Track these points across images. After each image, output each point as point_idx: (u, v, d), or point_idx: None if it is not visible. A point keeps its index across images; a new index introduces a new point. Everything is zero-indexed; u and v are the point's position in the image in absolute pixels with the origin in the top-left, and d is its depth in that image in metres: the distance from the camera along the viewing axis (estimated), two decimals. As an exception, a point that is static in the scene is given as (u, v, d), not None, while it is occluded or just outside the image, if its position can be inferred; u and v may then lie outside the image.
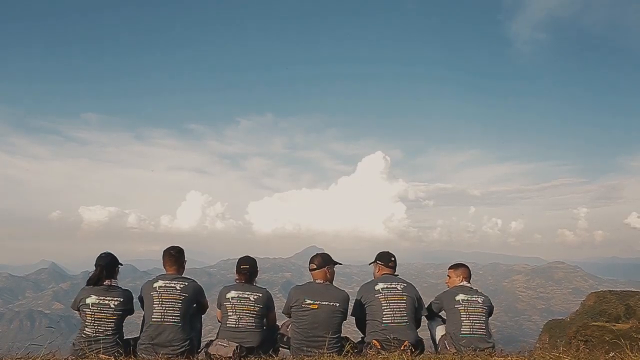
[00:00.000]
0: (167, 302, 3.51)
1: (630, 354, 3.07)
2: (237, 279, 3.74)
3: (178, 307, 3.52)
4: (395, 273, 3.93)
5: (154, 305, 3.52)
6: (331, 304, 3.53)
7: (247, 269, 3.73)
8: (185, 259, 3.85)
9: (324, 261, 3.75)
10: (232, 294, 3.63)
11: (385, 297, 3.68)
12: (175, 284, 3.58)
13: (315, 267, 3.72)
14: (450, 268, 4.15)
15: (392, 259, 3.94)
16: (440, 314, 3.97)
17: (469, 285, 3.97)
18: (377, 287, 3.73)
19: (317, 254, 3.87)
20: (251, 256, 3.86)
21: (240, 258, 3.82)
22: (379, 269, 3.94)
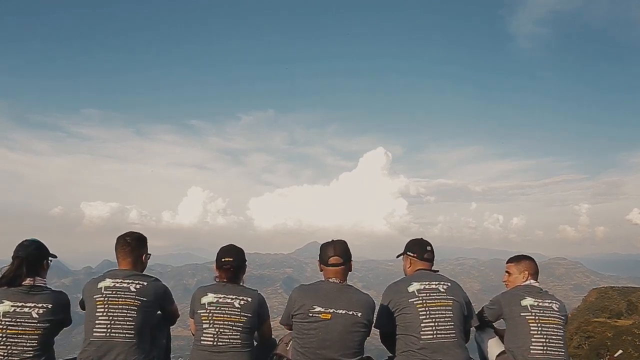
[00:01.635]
0: (116, 309, 2.46)
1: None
2: (216, 277, 2.62)
3: (132, 317, 2.46)
4: (434, 269, 2.81)
5: (98, 314, 2.46)
6: (350, 313, 2.41)
7: (231, 262, 2.59)
8: (149, 252, 2.79)
9: (346, 253, 2.62)
10: (210, 298, 2.53)
11: (423, 303, 2.58)
12: (129, 284, 2.53)
13: (336, 260, 2.57)
14: (509, 262, 3.02)
15: (429, 248, 2.81)
16: (495, 323, 2.95)
17: (537, 285, 2.86)
18: (411, 289, 2.62)
19: (333, 240, 2.66)
20: (237, 245, 2.73)
21: (222, 248, 2.69)
22: (410, 263, 2.81)
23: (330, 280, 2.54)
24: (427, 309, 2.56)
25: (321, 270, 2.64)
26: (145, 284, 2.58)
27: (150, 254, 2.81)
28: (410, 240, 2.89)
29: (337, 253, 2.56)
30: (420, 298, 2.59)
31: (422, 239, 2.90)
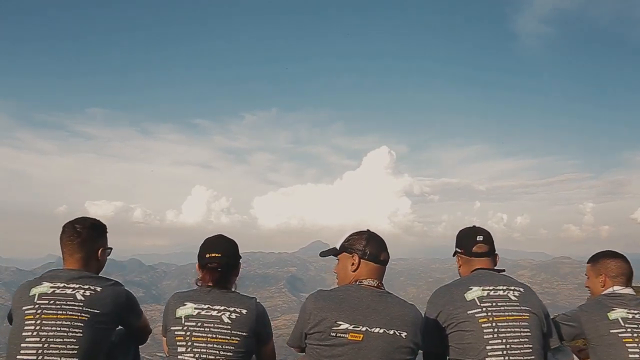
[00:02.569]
0: (52, 326, 1.77)
1: None
2: (199, 280, 1.94)
3: (75, 337, 1.77)
4: (498, 268, 2.11)
5: (25, 334, 1.77)
6: (391, 332, 1.72)
7: (219, 259, 1.91)
8: (109, 246, 2.09)
9: (383, 247, 1.91)
10: (188, 309, 1.83)
11: (489, 317, 1.89)
12: (74, 290, 1.84)
13: (380, 256, 1.88)
14: (591, 261, 2.32)
15: (479, 238, 2.11)
16: (568, 339, 2.19)
17: (631, 292, 2.15)
18: (470, 296, 1.94)
19: (367, 231, 1.95)
20: (227, 236, 2.03)
21: (207, 240, 2.00)
22: (461, 263, 2.17)
23: (362, 283, 1.81)
24: (494, 324, 1.86)
25: (353, 270, 1.85)
26: (98, 289, 1.87)
27: (110, 248, 2.10)
28: (459, 232, 2.22)
29: (382, 247, 1.88)
30: (484, 309, 1.90)
31: (472, 227, 2.20)
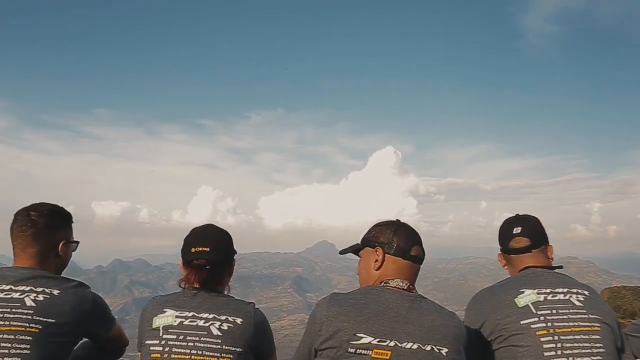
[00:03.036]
0: None
1: None
2: (182, 281, 1.59)
3: (18, 353, 1.41)
4: (554, 265, 1.73)
5: None
6: (427, 348, 1.38)
7: (207, 255, 1.57)
8: (74, 239, 1.71)
9: (415, 240, 1.55)
10: (168, 318, 1.50)
11: (549, 328, 1.52)
12: (23, 294, 1.50)
13: (416, 250, 1.53)
14: None
15: (516, 230, 1.75)
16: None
17: None
18: (522, 301, 1.58)
19: (396, 221, 1.60)
20: (219, 227, 1.68)
21: (194, 231, 1.65)
22: (504, 262, 1.83)
23: (389, 284, 1.46)
24: (556, 337, 1.49)
25: (376, 268, 1.49)
26: (55, 293, 1.51)
27: (76, 242, 1.72)
28: (505, 221, 1.84)
29: (414, 240, 1.53)
30: (543, 318, 1.52)
31: (513, 216, 1.83)
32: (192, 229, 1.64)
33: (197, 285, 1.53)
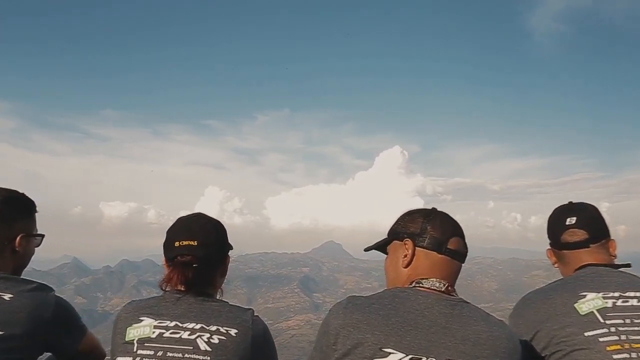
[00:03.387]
0: None
1: None
2: (163, 282, 1.30)
3: None
4: (619, 263, 1.43)
5: None
6: None
7: (194, 250, 1.29)
8: (38, 232, 1.50)
9: (454, 230, 1.25)
10: (144, 328, 1.21)
11: (622, 341, 1.19)
12: None
13: (456, 242, 1.23)
14: None
15: (571, 221, 1.46)
16: None
17: None
18: (585, 307, 1.26)
19: (433, 209, 1.30)
20: (209, 216, 1.40)
21: (180, 220, 1.38)
22: (555, 259, 1.53)
23: (422, 285, 1.18)
24: (633, 354, 1.18)
25: (406, 265, 1.23)
26: (6, 298, 1.26)
27: (41, 236, 1.49)
28: (549, 217, 1.54)
29: (453, 230, 1.24)
30: (614, 329, 1.21)
31: (565, 204, 1.51)
32: (178, 219, 1.36)
33: (181, 288, 1.26)
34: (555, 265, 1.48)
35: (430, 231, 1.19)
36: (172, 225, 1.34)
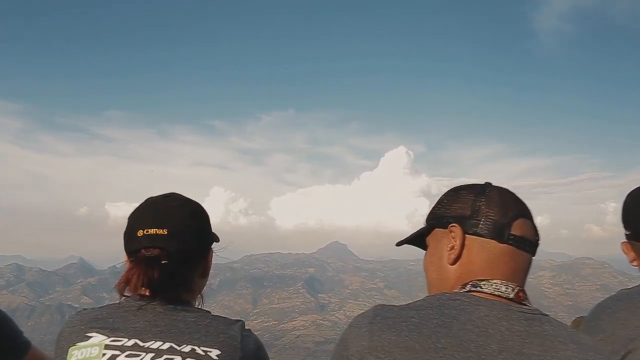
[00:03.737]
0: None
1: None
2: (121, 284, 0.92)
3: None
4: None
5: None
6: None
7: (163, 240, 0.93)
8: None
9: (520, 209, 0.85)
10: (92, 349, 0.85)
11: None
12: None
13: (525, 228, 0.84)
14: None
15: None
16: None
17: None
18: None
19: (486, 184, 0.90)
20: (184, 196, 1.06)
21: (145, 203, 1.01)
22: (635, 254, 1.18)
23: (481, 290, 0.80)
24: None
25: (453, 260, 0.86)
26: None
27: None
28: (626, 198, 1.25)
29: (521, 211, 0.87)
30: None
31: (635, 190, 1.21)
32: (147, 200, 1.03)
33: (145, 293, 0.92)
34: (634, 262, 1.18)
35: (485, 211, 0.83)
36: (137, 207, 1.00)
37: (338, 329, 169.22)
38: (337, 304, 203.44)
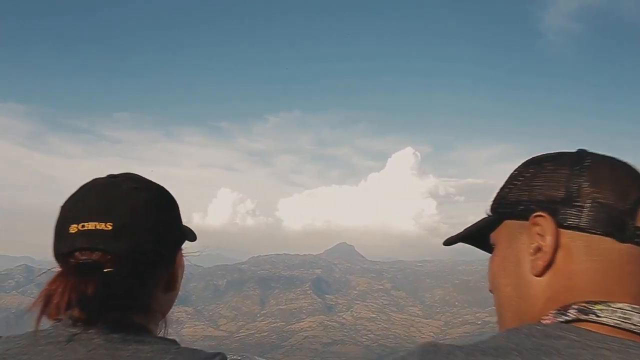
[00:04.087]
0: None
1: None
2: (41, 301, 0.60)
3: None
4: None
5: None
6: None
7: (105, 239, 0.62)
8: None
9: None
10: None
11: None
12: None
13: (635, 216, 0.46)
14: None
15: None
16: None
17: None
18: None
19: (580, 151, 0.54)
20: (135, 176, 0.71)
21: (81, 189, 0.68)
22: None
23: (596, 319, 0.45)
24: None
25: (540, 271, 0.50)
26: None
27: None
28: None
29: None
30: None
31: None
32: (83, 186, 0.72)
33: (79, 315, 0.63)
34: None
35: (590, 193, 0.51)
36: (71, 195, 0.71)
37: (345, 330, 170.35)
38: (344, 305, 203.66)
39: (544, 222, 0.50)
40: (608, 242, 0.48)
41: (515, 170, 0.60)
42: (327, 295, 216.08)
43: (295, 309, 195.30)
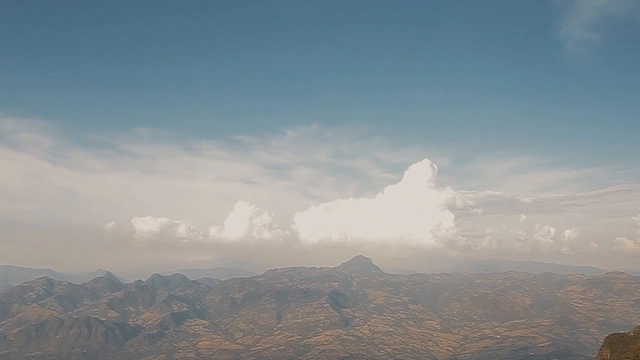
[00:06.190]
0: None
1: None
2: None
3: None
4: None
5: None
6: None
7: None
8: None
9: None
10: None
11: None
12: None
13: None
14: None
15: None
16: None
17: None
18: None
19: None
20: None
21: None
22: None
23: None
24: None
25: None
26: None
27: None
28: None
29: None
30: None
31: None
32: None
33: None
34: None
35: None
36: None
37: (362, 344, 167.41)
38: (361, 319, 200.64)
39: None
40: None
41: None
42: (343, 309, 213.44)
43: (312, 322, 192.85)
